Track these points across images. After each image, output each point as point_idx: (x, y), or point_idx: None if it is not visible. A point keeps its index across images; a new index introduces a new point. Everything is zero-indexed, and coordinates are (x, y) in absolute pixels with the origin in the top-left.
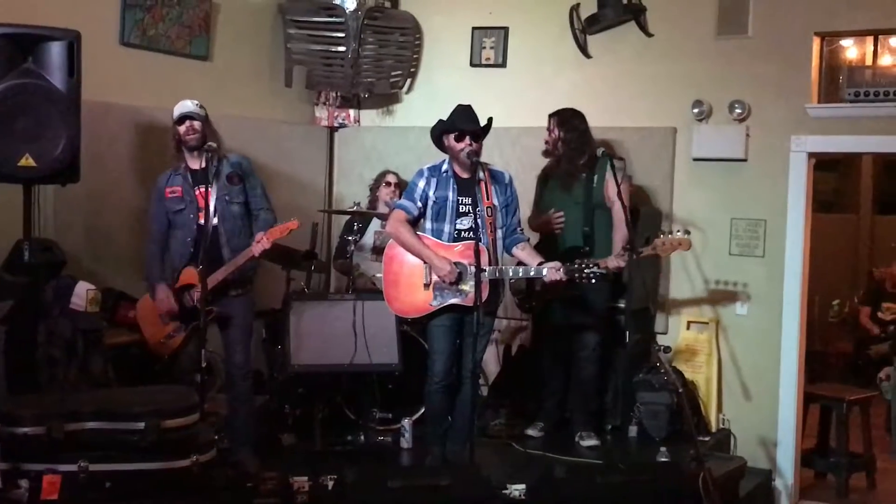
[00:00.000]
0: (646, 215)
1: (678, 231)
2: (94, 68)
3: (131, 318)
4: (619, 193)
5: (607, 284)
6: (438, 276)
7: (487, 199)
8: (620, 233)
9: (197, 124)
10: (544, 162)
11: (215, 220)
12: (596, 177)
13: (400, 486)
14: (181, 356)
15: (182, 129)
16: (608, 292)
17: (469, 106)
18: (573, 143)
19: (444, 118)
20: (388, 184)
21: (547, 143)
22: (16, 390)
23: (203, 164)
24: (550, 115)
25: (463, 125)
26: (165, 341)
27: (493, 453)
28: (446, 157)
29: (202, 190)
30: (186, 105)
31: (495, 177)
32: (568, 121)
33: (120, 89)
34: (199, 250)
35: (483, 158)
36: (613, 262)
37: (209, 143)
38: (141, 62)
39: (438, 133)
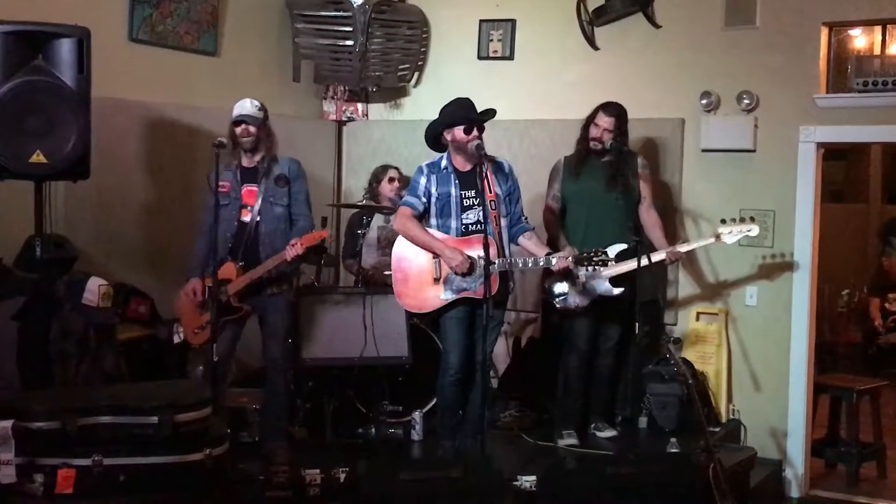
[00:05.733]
0: (655, 207)
1: (741, 219)
2: (103, 65)
3: (142, 314)
4: (650, 190)
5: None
6: (450, 267)
7: (491, 191)
8: (660, 230)
9: (252, 128)
10: (554, 155)
11: (257, 218)
12: (630, 173)
13: (411, 478)
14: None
15: (238, 130)
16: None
17: (468, 98)
18: (624, 139)
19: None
20: (392, 179)
21: (596, 139)
22: (29, 386)
23: (251, 163)
24: (602, 109)
25: (471, 115)
26: (198, 332)
27: (503, 445)
28: (443, 153)
29: (249, 188)
30: (245, 106)
31: (496, 166)
32: (623, 114)
33: (129, 85)
34: (236, 246)
35: (490, 151)
36: (674, 253)
37: (219, 140)
38: (150, 58)
39: (444, 128)
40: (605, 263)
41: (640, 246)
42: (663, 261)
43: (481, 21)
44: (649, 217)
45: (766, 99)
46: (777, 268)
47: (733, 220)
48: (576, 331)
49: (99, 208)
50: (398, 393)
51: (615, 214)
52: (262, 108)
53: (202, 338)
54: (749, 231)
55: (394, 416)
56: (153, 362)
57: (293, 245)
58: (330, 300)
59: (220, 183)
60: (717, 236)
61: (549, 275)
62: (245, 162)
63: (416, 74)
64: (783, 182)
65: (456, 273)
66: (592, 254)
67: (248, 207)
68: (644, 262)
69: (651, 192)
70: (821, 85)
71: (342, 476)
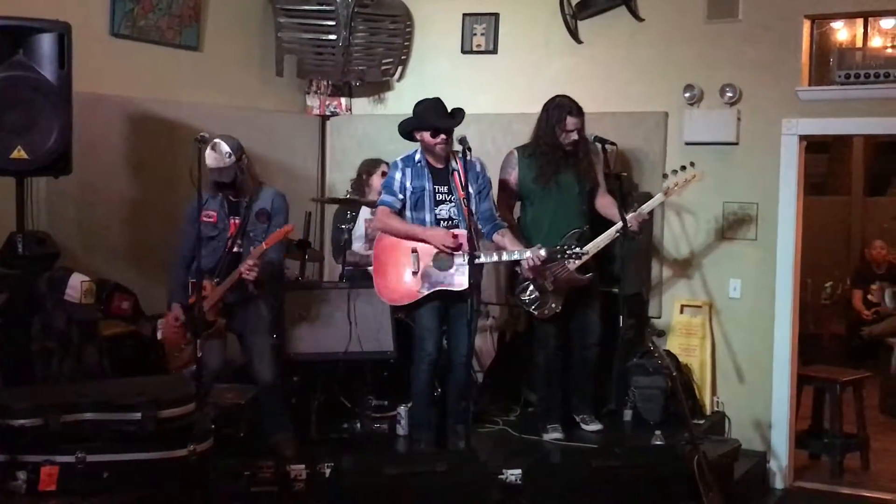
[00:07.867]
0: (638, 199)
1: (681, 167)
2: (84, 60)
3: (125, 310)
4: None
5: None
6: (438, 245)
7: (462, 189)
8: (617, 206)
9: (227, 181)
10: None
11: (235, 249)
12: (585, 161)
13: (396, 472)
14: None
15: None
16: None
17: (439, 99)
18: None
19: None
20: (384, 174)
21: (570, 143)
22: (11, 383)
23: (234, 197)
24: (567, 113)
25: (438, 122)
26: (179, 355)
27: (488, 439)
28: (417, 146)
29: (234, 220)
30: (216, 157)
31: (467, 165)
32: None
33: (111, 80)
34: (218, 270)
35: (474, 145)
36: (634, 220)
37: (201, 135)
38: (131, 53)
39: (411, 129)
40: (578, 257)
41: (626, 230)
42: (631, 230)
43: (464, 15)
44: (605, 200)
45: (748, 92)
46: (760, 260)
47: (674, 171)
48: (544, 327)
49: (81, 204)
50: (383, 388)
51: (577, 206)
52: (234, 151)
53: (185, 359)
54: (694, 178)
55: (379, 410)
56: (136, 358)
57: (247, 261)
58: (314, 295)
59: (207, 212)
60: (667, 191)
61: (515, 284)
62: (231, 195)
63: (400, 69)
64: (766, 175)
65: (444, 250)
66: (566, 247)
67: (231, 238)
68: (613, 236)
69: (602, 172)
70: (803, 78)
71: (327, 471)
